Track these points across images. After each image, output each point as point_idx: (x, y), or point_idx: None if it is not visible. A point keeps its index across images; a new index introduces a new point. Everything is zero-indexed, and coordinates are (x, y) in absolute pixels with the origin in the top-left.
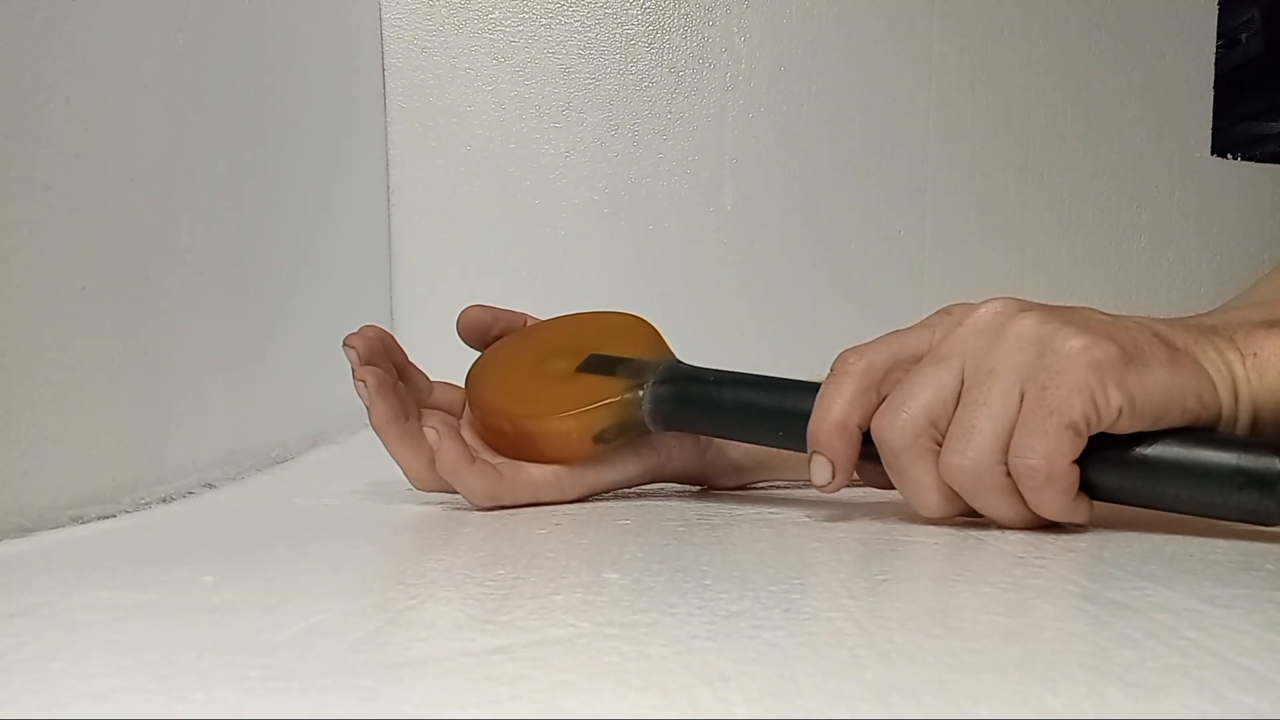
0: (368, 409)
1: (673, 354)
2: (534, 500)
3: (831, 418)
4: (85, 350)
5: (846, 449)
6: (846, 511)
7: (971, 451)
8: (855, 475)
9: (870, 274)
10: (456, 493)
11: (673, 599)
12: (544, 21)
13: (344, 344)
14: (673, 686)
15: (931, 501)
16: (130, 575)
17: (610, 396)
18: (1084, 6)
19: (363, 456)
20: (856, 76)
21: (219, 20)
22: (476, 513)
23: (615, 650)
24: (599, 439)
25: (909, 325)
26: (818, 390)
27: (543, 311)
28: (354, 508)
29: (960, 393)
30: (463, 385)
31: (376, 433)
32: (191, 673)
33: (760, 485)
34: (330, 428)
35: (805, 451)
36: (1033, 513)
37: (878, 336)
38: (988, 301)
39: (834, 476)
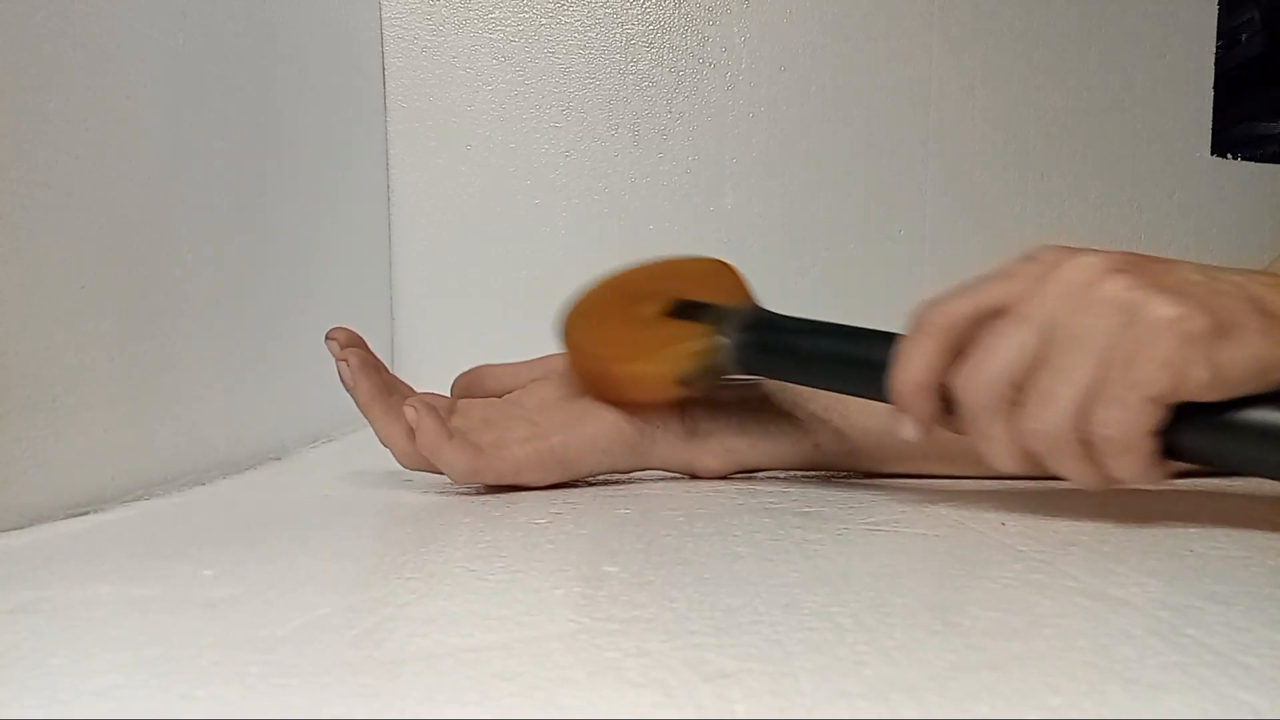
0: (351, 389)
1: (755, 300)
2: (516, 480)
3: (912, 377)
4: (85, 349)
5: (928, 406)
6: (845, 503)
7: (1050, 417)
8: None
9: (870, 274)
10: (441, 472)
11: (673, 593)
12: (544, 21)
13: (326, 337)
14: (673, 683)
15: (1006, 460)
16: (130, 569)
17: (694, 342)
18: (1084, 7)
19: (362, 452)
20: (856, 76)
21: (219, 20)
22: (476, 503)
23: (615, 646)
24: (682, 382)
25: (991, 271)
26: (895, 340)
27: (541, 312)
28: (353, 499)
29: (1042, 354)
30: (449, 389)
31: (361, 411)
32: (192, 669)
33: (744, 474)
34: (330, 427)
35: (881, 400)
36: (1108, 476)
37: (958, 287)
38: (1076, 254)
39: (917, 433)
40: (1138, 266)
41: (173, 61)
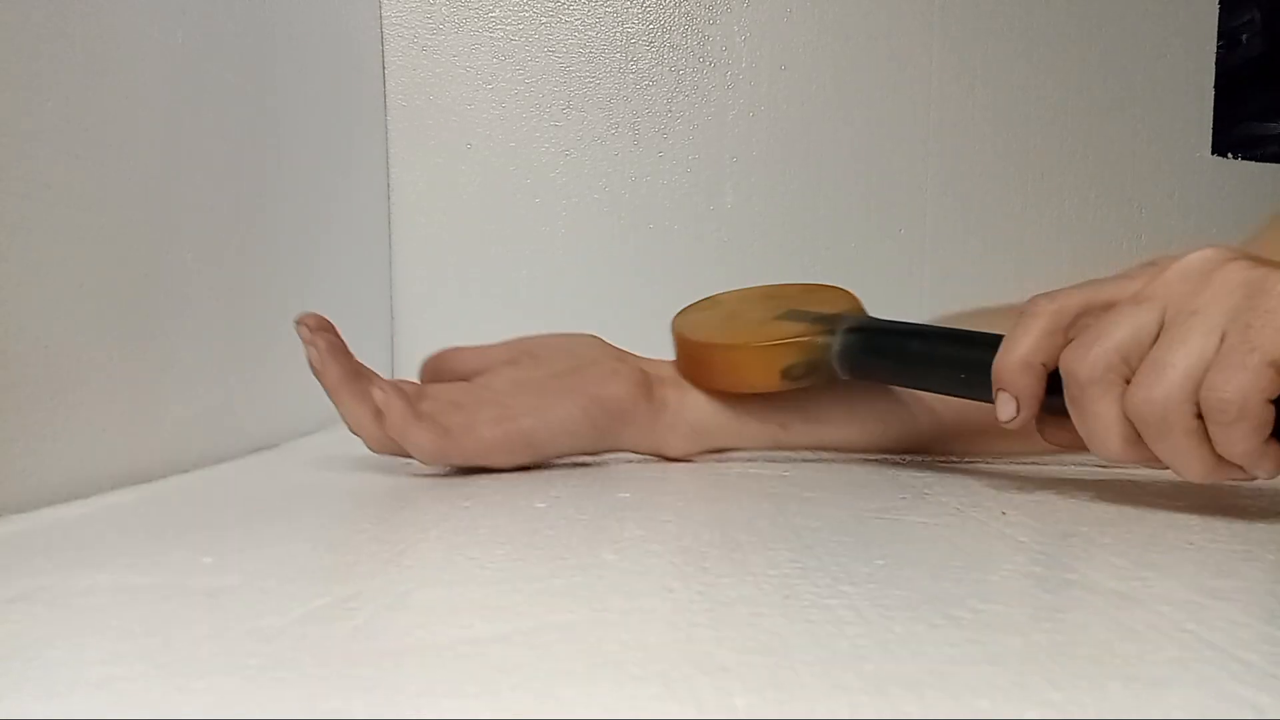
0: (319, 373)
1: (865, 312)
2: (484, 461)
3: (1018, 354)
4: (84, 348)
5: (1031, 385)
6: (845, 488)
7: (1162, 386)
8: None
9: (870, 274)
10: (410, 455)
11: (672, 584)
12: (544, 20)
13: (296, 322)
14: (673, 676)
15: (1112, 440)
16: (129, 557)
17: (801, 336)
18: (1084, 7)
19: (359, 445)
20: (856, 76)
21: (219, 19)
22: (475, 487)
23: (614, 638)
24: (786, 374)
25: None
26: (1000, 341)
27: (541, 311)
28: (352, 486)
29: (1158, 332)
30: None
31: (329, 394)
32: (190, 660)
33: (714, 454)
34: (330, 420)
35: (987, 401)
36: (1218, 460)
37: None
38: (1195, 250)
39: (1018, 412)
40: (1254, 256)
41: (172, 61)
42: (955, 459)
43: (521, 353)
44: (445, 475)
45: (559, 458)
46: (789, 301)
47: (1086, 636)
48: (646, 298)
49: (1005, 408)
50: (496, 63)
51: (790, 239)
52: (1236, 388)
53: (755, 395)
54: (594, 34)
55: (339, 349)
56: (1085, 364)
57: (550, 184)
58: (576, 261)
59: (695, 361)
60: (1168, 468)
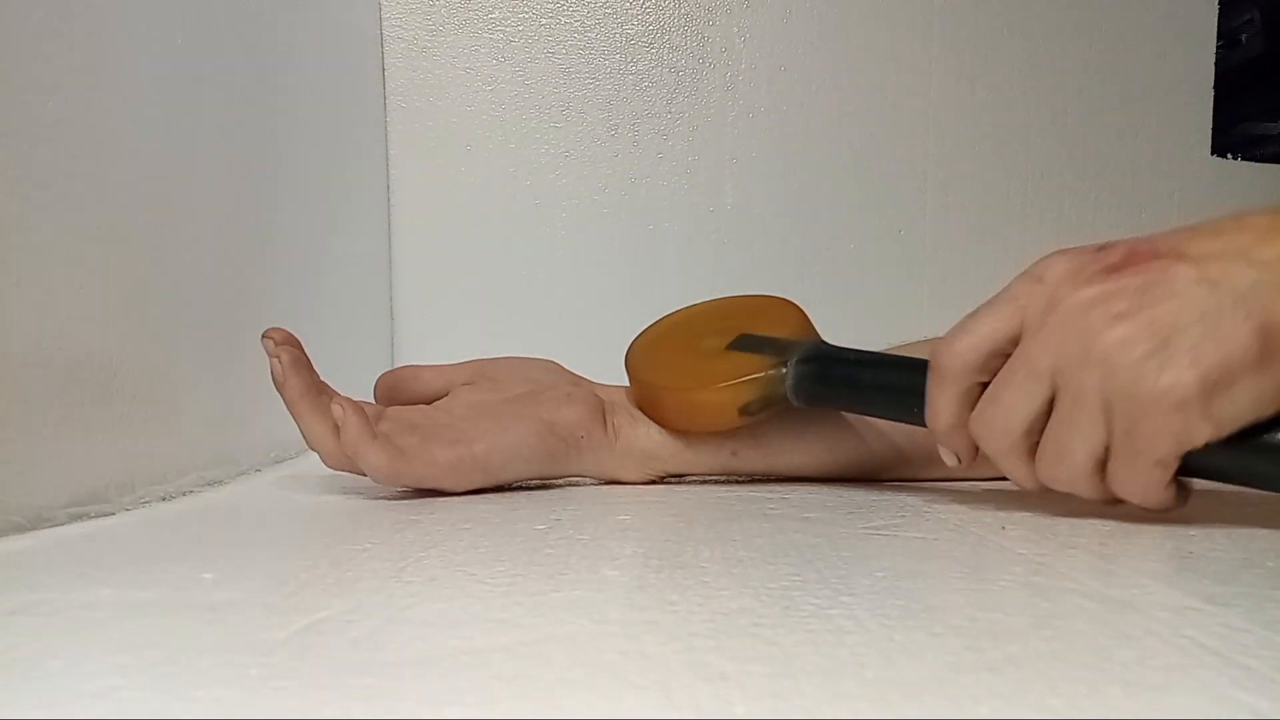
0: (281, 386)
1: (818, 334)
2: (436, 484)
3: (941, 422)
4: (83, 349)
5: (964, 443)
6: (845, 508)
7: (1065, 471)
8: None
9: (870, 274)
10: (364, 473)
11: (672, 596)
12: (544, 21)
13: (263, 335)
14: (673, 685)
15: (1030, 486)
16: (130, 572)
17: (756, 372)
18: (1084, 7)
19: None
20: (856, 76)
21: (218, 20)
22: (477, 510)
23: (615, 648)
24: (744, 411)
25: (993, 297)
26: None
27: (540, 312)
28: (353, 503)
29: (1052, 399)
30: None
31: (289, 408)
32: (192, 672)
33: (670, 479)
34: None
35: None
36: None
37: (967, 318)
38: (1076, 287)
39: (960, 462)
40: (1135, 300)
41: (173, 62)
42: (918, 482)
43: (479, 375)
44: (448, 499)
45: (513, 482)
46: (738, 322)
47: (1086, 643)
48: (646, 298)
49: (948, 459)
50: (496, 64)
51: (790, 239)
52: (1134, 488)
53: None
54: (593, 35)
55: (301, 363)
56: (992, 441)
57: (550, 185)
58: (576, 262)
59: (652, 403)
60: None
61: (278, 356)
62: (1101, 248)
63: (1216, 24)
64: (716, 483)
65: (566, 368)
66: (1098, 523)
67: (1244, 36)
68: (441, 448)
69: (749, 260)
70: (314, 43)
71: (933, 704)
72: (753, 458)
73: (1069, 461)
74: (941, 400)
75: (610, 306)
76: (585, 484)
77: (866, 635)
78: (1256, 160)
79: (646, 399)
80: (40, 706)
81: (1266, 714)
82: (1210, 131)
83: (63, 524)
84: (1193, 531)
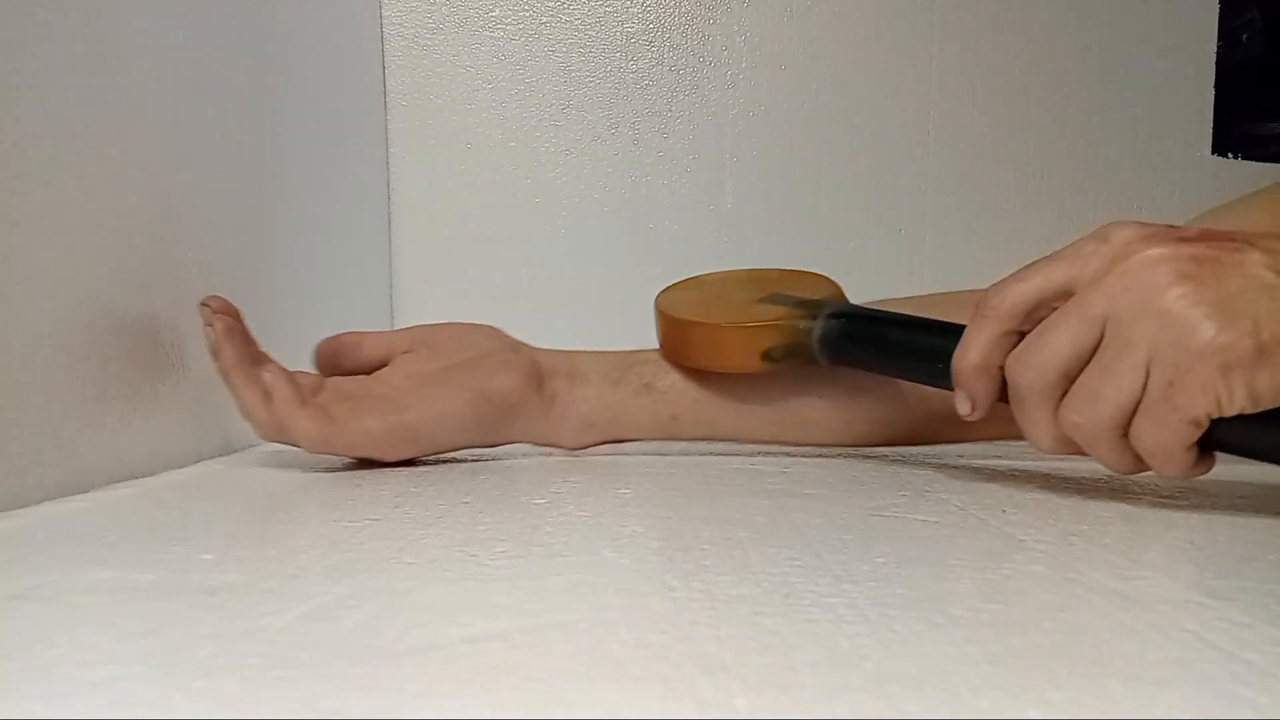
0: (215, 354)
1: (847, 299)
2: (366, 452)
3: (970, 359)
4: (84, 346)
5: (986, 388)
6: (846, 485)
7: (1091, 417)
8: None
9: (870, 274)
10: (296, 444)
11: (673, 582)
12: (544, 20)
13: (200, 303)
14: (673, 676)
15: (1046, 442)
16: (130, 553)
17: (783, 319)
18: (1084, 6)
19: None
20: (856, 76)
21: (219, 18)
22: (476, 482)
23: (615, 637)
24: (767, 356)
25: (1062, 250)
26: None
27: (540, 311)
28: (353, 482)
29: (1096, 348)
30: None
31: (222, 376)
32: (191, 660)
33: (606, 446)
34: None
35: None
36: (1138, 460)
37: (1023, 267)
38: (1147, 244)
39: (973, 410)
40: (1205, 269)
41: (173, 61)
42: (885, 448)
43: (419, 342)
44: (447, 472)
45: (447, 450)
46: (772, 285)
47: (1087, 636)
48: (646, 297)
49: (962, 404)
50: (496, 63)
51: (790, 239)
52: (1159, 442)
53: (643, 386)
54: (594, 34)
55: (237, 332)
56: (1026, 378)
57: (550, 184)
58: (576, 261)
59: (677, 339)
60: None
61: (212, 325)
62: (1174, 226)
63: (1217, 24)
64: (718, 453)
65: (507, 333)
66: (1098, 507)
67: (1244, 36)
68: (373, 417)
69: (749, 260)
70: (314, 41)
71: (933, 696)
72: (692, 424)
73: (1098, 408)
74: (978, 339)
75: (610, 305)
76: (586, 455)
77: (867, 625)
78: (1256, 160)
79: (670, 333)
80: (39, 695)
81: (1267, 708)
82: (1210, 131)
83: (62, 498)
84: (1194, 523)
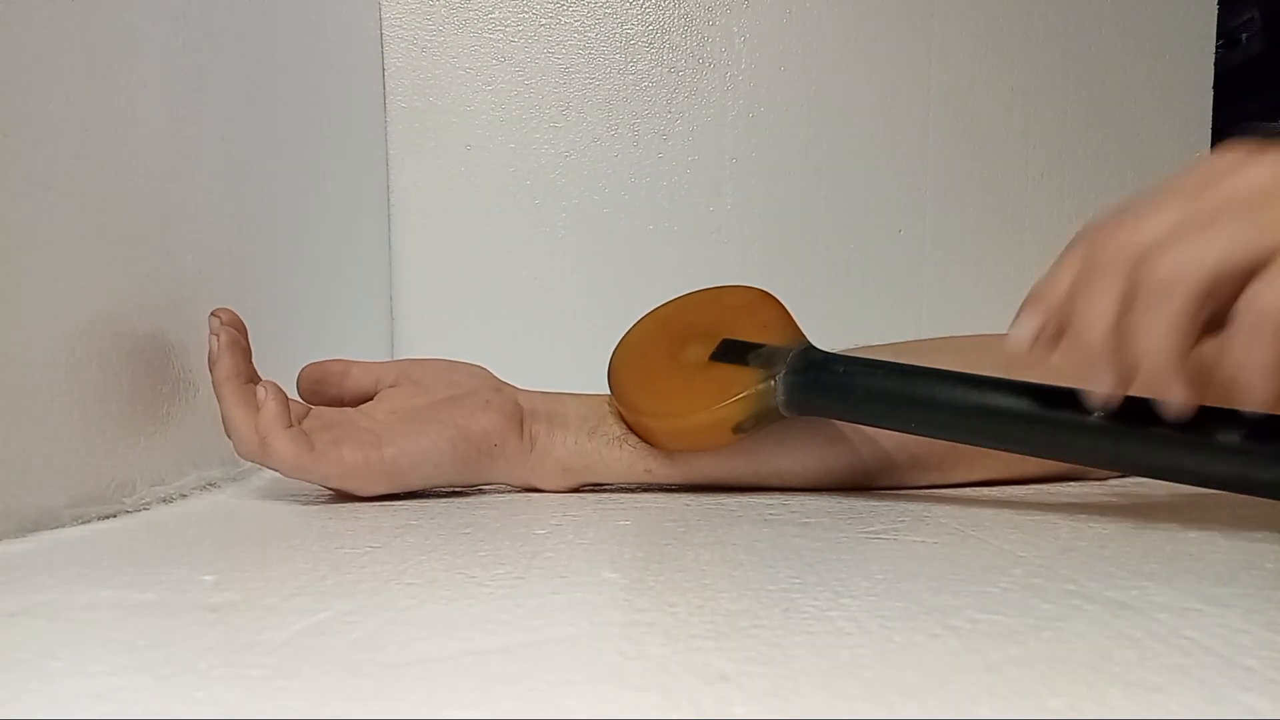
0: (212, 365)
1: (802, 335)
2: (342, 484)
3: (1052, 293)
4: (84, 349)
5: (1056, 322)
6: (844, 514)
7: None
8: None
9: (870, 274)
10: (272, 466)
11: (672, 598)
12: (544, 21)
13: (210, 314)
14: (673, 687)
15: (1099, 329)
16: (131, 574)
17: (745, 389)
18: (1084, 6)
19: None
20: (856, 76)
21: (219, 19)
22: (477, 514)
23: (615, 650)
24: (737, 429)
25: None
26: (949, 377)
27: (540, 312)
28: (354, 506)
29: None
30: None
31: (215, 388)
32: (192, 672)
33: (587, 488)
34: None
35: (945, 438)
36: None
37: (1132, 203)
38: (1255, 158)
39: (1030, 342)
40: None
41: (173, 61)
42: (876, 490)
43: (404, 377)
44: (447, 501)
45: (424, 487)
46: (718, 321)
47: (1086, 644)
48: (646, 298)
49: (1023, 329)
50: (496, 64)
51: (790, 239)
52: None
53: (621, 435)
54: (593, 35)
55: (238, 347)
56: (1181, 263)
57: (550, 185)
58: (576, 263)
59: (640, 428)
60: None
61: (217, 335)
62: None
63: (1216, 24)
64: (716, 490)
65: (493, 373)
66: (1098, 525)
67: (1244, 36)
68: (351, 448)
69: (749, 260)
70: (314, 42)
71: (932, 705)
72: (667, 472)
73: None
74: (1067, 273)
75: (610, 306)
76: (585, 492)
77: (866, 636)
78: None
79: (635, 424)
80: (41, 707)
81: (1266, 715)
82: (1210, 131)
83: (64, 525)
84: (1192, 533)
